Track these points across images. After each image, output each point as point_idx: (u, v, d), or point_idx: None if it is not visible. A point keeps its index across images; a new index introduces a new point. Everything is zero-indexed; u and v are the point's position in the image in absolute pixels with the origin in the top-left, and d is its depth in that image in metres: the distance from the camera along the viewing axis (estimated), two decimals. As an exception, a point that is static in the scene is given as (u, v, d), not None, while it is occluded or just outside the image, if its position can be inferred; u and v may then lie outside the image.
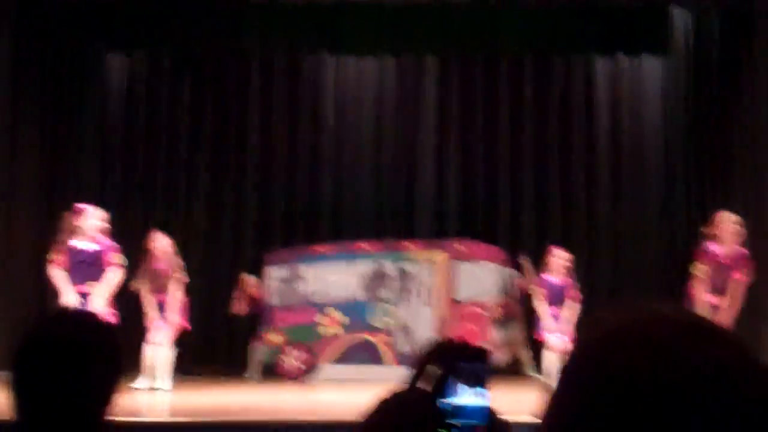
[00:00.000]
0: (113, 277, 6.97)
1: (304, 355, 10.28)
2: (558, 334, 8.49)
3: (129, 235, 11.01)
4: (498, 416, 0.99)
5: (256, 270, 11.03)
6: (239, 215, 12.02)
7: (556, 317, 8.56)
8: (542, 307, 8.57)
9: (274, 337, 10.42)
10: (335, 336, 10.31)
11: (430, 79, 12.31)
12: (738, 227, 6.64)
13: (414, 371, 1.00)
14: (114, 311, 6.99)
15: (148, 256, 8.44)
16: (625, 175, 11.93)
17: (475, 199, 11.92)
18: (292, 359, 10.29)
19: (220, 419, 4.74)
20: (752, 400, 0.71)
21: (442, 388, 0.97)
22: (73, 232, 6.95)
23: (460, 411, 0.97)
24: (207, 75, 12.28)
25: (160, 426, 4.34)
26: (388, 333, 10.23)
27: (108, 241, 7.08)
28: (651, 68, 12.15)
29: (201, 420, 4.81)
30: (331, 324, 10.28)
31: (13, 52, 10.41)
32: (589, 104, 12.13)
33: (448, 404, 0.97)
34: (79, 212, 7.06)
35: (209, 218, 11.95)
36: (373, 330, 10.26)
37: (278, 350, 10.39)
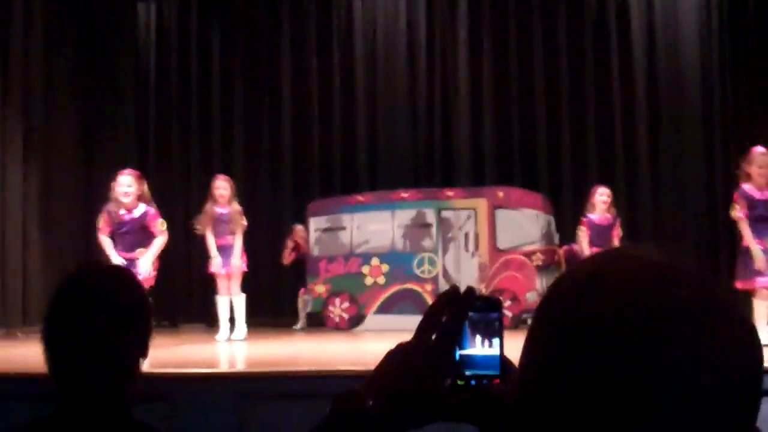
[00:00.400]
0: (157, 244, 7.00)
1: (349, 305, 10.40)
2: None
3: (168, 190, 11.22)
4: (512, 366, 0.97)
5: (297, 221, 11.15)
6: (276, 164, 12.04)
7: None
8: (586, 249, 8.53)
9: (320, 288, 10.55)
10: (379, 286, 10.41)
11: (462, 16, 12.15)
12: (766, 169, 6.50)
13: (426, 321, 0.96)
14: (155, 274, 7.05)
15: (210, 199, 8.47)
16: (663, 111, 11.79)
17: (512, 144, 11.85)
18: (338, 309, 10.42)
19: (269, 369, 4.80)
20: (714, 340, 0.72)
21: (457, 338, 0.95)
22: (116, 199, 6.95)
23: (473, 362, 0.95)
24: (237, 20, 12.19)
25: (209, 376, 4.41)
26: (432, 282, 10.31)
27: (150, 208, 7.07)
28: (687, 2, 11.93)
29: (249, 371, 4.89)
30: (374, 274, 10.37)
31: (44, 5, 10.40)
32: (625, 38, 11.93)
33: (462, 355, 0.95)
34: (121, 179, 7.02)
35: (246, 168, 11.97)
36: (417, 279, 10.34)
37: (324, 300, 10.52)
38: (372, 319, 10.28)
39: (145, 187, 7.11)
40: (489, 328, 0.97)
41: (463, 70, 12.08)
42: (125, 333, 1.74)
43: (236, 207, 8.48)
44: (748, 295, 6.60)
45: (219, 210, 8.41)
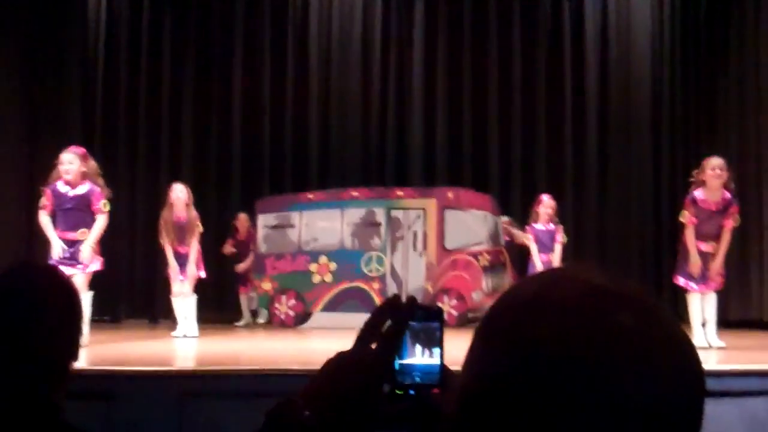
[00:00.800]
0: (98, 226, 6.82)
1: (295, 303, 10.36)
2: None
3: (112, 181, 11.02)
4: (451, 375, 0.97)
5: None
6: (225, 161, 11.91)
7: (545, 265, 8.67)
8: (536, 255, 8.67)
9: (266, 285, 10.49)
10: (326, 283, 10.38)
11: (417, 18, 12.16)
12: (724, 172, 6.68)
13: (367, 330, 0.95)
14: (101, 258, 6.93)
15: (167, 207, 8.42)
16: (613, 118, 11.95)
17: (464, 146, 11.90)
18: (284, 306, 10.37)
19: (211, 368, 4.76)
20: (657, 365, 0.73)
21: (397, 348, 0.94)
22: (59, 176, 6.77)
23: (413, 371, 0.95)
24: (189, 13, 12.02)
25: (150, 374, 4.36)
26: (379, 280, 10.31)
27: (96, 187, 6.87)
28: (640, 5, 12.09)
29: (191, 369, 4.84)
30: (322, 271, 10.34)
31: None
32: (578, 46, 12.05)
33: (401, 364, 0.95)
34: (63, 156, 6.82)
35: (194, 163, 11.84)
36: (365, 278, 10.33)
37: (270, 297, 10.46)
38: (318, 317, 10.25)
39: (92, 164, 6.93)
40: (430, 337, 0.97)
41: (417, 72, 12.10)
42: (52, 335, 1.71)
43: (193, 213, 8.45)
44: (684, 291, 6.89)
45: (177, 216, 8.38)
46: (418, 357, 0.96)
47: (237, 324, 10.45)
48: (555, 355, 0.73)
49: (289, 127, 11.99)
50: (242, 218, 10.87)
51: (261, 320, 10.82)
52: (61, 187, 6.73)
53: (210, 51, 12.02)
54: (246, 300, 10.73)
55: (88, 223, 6.77)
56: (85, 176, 6.78)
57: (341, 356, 0.95)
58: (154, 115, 11.90)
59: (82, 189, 6.76)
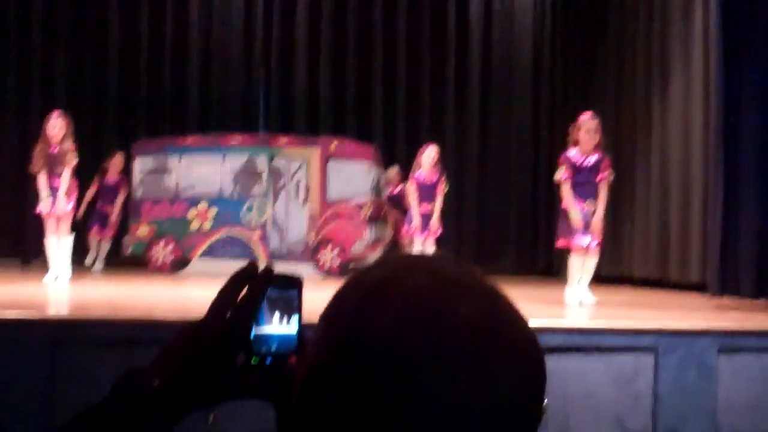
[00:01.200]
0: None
1: (173, 248, 10.14)
2: (423, 233, 8.63)
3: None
4: (307, 336, 0.94)
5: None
6: (100, 102, 11.47)
7: (427, 215, 8.71)
8: (414, 205, 8.68)
9: (143, 230, 10.21)
10: (205, 230, 10.19)
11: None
12: (597, 134, 6.83)
13: (221, 298, 0.92)
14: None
15: (43, 138, 7.99)
16: (495, 74, 12.13)
17: (348, 96, 11.84)
18: (162, 252, 10.14)
19: (82, 315, 4.62)
20: (499, 359, 0.74)
21: (253, 316, 0.92)
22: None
23: (269, 339, 0.93)
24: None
25: (17, 322, 4.20)
26: (260, 229, 10.20)
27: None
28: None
29: (62, 316, 4.69)
30: (201, 218, 10.14)
31: None
32: (463, 3, 12.13)
33: (258, 333, 0.93)
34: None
35: (68, 101, 11.34)
36: (245, 226, 10.20)
37: (147, 243, 10.20)
38: (197, 263, 10.07)
39: None
40: (288, 305, 0.94)
41: (302, 18, 11.92)
42: None
43: (67, 145, 8.04)
44: (566, 252, 6.97)
45: (51, 148, 7.97)
46: (276, 325, 0.93)
47: (87, 263, 9.93)
48: (395, 346, 0.73)
49: (167, 68, 11.65)
50: (117, 158, 10.19)
51: (99, 267, 10.03)
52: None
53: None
54: (96, 244, 10.07)
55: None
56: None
57: (194, 324, 0.91)
58: (25, 51, 11.32)
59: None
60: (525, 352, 0.76)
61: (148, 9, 11.63)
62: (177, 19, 11.68)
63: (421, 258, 0.82)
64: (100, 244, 10.05)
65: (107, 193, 10.02)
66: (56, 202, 7.94)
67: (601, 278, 9.06)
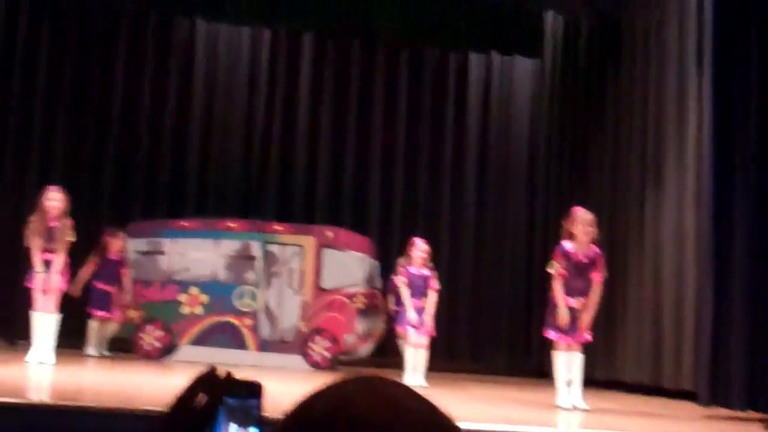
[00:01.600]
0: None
1: (162, 334, 10.00)
2: (416, 329, 8.54)
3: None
4: None
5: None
6: (97, 183, 11.48)
7: (418, 310, 8.64)
8: (407, 299, 8.61)
9: (132, 313, 10.08)
10: (196, 315, 10.08)
11: (306, 57, 12.17)
12: (594, 228, 6.81)
13: (176, 406, 0.89)
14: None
15: (41, 212, 7.93)
16: (491, 168, 12.24)
17: (345, 187, 11.90)
18: (150, 337, 9.99)
19: (57, 402, 4.50)
20: None
21: (209, 426, 0.88)
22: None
23: None
24: (70, 29, 11.61)
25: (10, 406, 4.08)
26: (252, 316, 10.09)
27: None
28: (522, 68, 12.48)
29: (37, 402, 4.57)
30: (192, 303, 10.04)
31: None
32: (461, 99, 12.34)
33: None
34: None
35: (65, 177, 11.34)
36: (236, 312, 10.09)
37: (135, 326, 10.05)
38: (186, 350, 9.92)
39: None
40: (247, 415, 0.89)
41: (303, 108, 12.08)
42: None
43: (65, 221, 8.01)
44: (551, 345, 6.94)
45: (49, 223, 7.92)
46: None
47: (88, 353, 9.59)
48: None
49: (167, 150, 11.71)
50: (118, 236, 10.02)
51: (92, 352, 9.69)
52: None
53: (89, 60, 11.62)
54: (97, 327, 9.80)
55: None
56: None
57: None
58: (25, 126, 11.38)
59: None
60: None
61: (150, 90, 11.75)
62: (179, 103, 11.81)
63: (375, 384, 0.78)
64: (103, 327, 9.79)
65: (107, 272, 9.82)
66: (49, 277, 7.86)
67: (594, 382, 8.95)
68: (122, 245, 10.01)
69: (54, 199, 7.93)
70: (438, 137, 12.18)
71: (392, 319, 9.97)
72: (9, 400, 4.23)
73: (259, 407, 0.90)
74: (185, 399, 0.88)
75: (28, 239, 7.95)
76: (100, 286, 9.77)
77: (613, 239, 9.90)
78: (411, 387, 0.79)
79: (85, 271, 9.72)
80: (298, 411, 0.78)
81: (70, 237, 7.99)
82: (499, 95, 12.48)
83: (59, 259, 7.89)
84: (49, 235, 7.89)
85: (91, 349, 9.64)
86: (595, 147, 10.92)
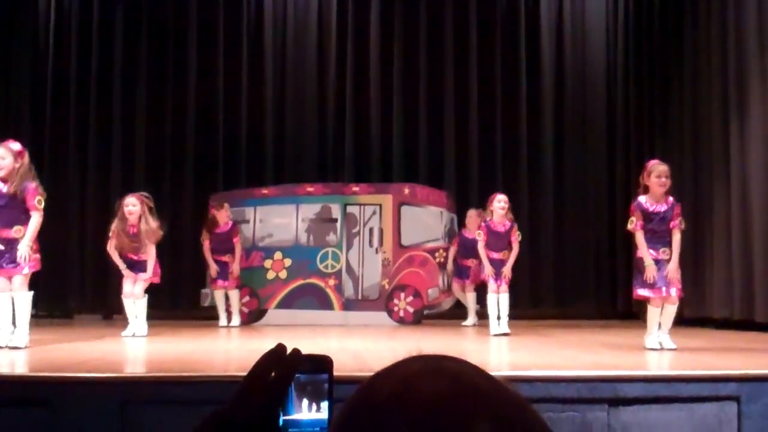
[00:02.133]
0: (33, 223, 6.47)
1: (249, 299, 10.23)
2: (495, 280, 8.58)
3: (62, 175, 10.88)
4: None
5: (198, 213, 10.96)
6: (179, 155, 11.75)
7: (498, 262, 8.65)
8: (483, 253, 8.63)
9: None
10: (281, 280, 10.28)
11: (373, 15, 12.10)
12: (668, 180, 6.68)
13: (248, 384, 0.88)
14: (38, 256, 6.71)
15: (120, 218, 8.26)
16: (568, 119, 12.01)
17: (420, 142, 11.86)
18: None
19: (153, 374, 4.65)
20: None
21: (281, 403, 0.88)
22: None
23: (298, 427, 0.89)
24: (142, 10, 11.84)
25: (90, 381, 4.25)
26: (335, 277, 10.24)
27: (30, 183, 6.46)
28: (595, 10, 12.17)
29: (133, 375, 4.74)
30: (277, 268, 10.23)
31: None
32: (534, 48, 12.09)
33: (286, 420, 0.89)
34: None
35: (147, 159, 11.66)
36: (320, 274, 10.26)
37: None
38: (273, 314, 10.15)
39: (26, 161, 6.68)
40: (317, 390, 0.91)
41: (374, 66, 12.03)
42: None
43: (146, 228, 8.25)
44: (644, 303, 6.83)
45: (130, 228, 8.24)
46: (305, 412, 0.90)
47: (221, 325, 9.72)
48: None
49: (244, 121, 11.87)
50: (226, 208, 9.93)
51: (236, 321, 9.82)
52: None
53: (163, 44, 11.86)
54: (222, 296, 9.85)
55: (23, 221, 6.55)
56: (17, 173, 6.52)
57: (218, 414, 0.88)
58: (106, 109, 11.71)
59: (15, 186, 6.51)
60: None
61: (223, 63, 11.89)
62: (252, 75, 11.92)
63: (441, 363, 0.79)
64: (227, 297, 9.83)
65: (219, 244, 9.84)
66: (139, 274, 8.20)
67: (682, 321, 8.81)
68: (228, 215, 9.91)
69: (130, 204, 8.23)
70: (511, 88, 11.98)
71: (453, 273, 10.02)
72: (106, 373, 4.41)
73: (330, 381, 0.91)
74: (257, 377, 0.89)
75: (110, 245, 8.29)
76: (216, 257, 9.79)
77: (697, 177, 9.69)
78: (478, 366, 0.79)
79: (206, 250, 9.77)
80: (364, 392, 0.78)
81: (155, 237, 8.26)
82: (573, 41, 12.20)
83: (151, 259, 8.22)
84: (130, 238, 8.21)
85: (222, 320, 9.74)
86: (674, 87, 10.64)
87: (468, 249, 9.73)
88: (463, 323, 9.82)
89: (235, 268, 9.76)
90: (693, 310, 9.31)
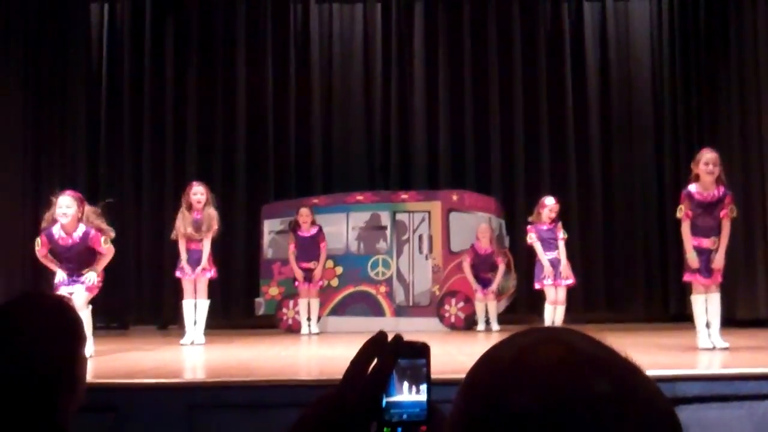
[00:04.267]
0: (106, 257, 6.76)
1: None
2: (552, 282, 8.68)
3: (117, 188, 11.10)
4: (439, 412, 0.97)
5: (250, 223, 11.14)
6: (230, 168, 11.92)
7: (553, 262, 8.75)
8: (541, 252, 8.74)
9: (273, 290, 10.51)
10: (333, 288, 10.39)
11: (417, 24, 12.18)
12: (717, 167, 6.66)
13: (351, 370, 0.95)
14: (100, 284, 6.85)
15: (186, 205, 8.48)
16: (615, 119, 11.94)
17: (466, 148, 11.88)
18: (291, 311, 10.37)
19: (219, 379, 4.76)
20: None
21: (384, 386, 0.94)
22: (55, 219, 6.62)
23: (400, 408, 0.95)
24: (191, 22, 12.05)
25: (158, 387, 4.37)
26: (386, 284, 10.33)
27: (90, 229, 6.65)
28: (639, 10, 12.12)
29: (199, 381, 4.85)
30: (328, 276, 10.34)
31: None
32: (578, 48, 12.07)
33: (388, 402, 0.95)
34: (61, 200, 6.63)
35: (199, 171, 11.83)
36: (371, 281, 10.36)
37: (278, 303, 10.48)
38: (325, 322, 10.26)
39: (88, 208, 6.85)
40: (417, 374, 0.97)
41: (419, 74, 12.09)
42: (49, 369, 1.72)
43: (210, 211, 8.50)
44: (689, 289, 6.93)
45: (195, 215, 8.44)
46: (405, 394, 0.96)
47: (303, 333, 9.80)
48: (533, 424, 0.73)
49: (292, 133, 12.00)
50: (304, 212, 9.99)
51: (315, 329, 9.86)
52: (57, 231, 6.62)
53: (212, 59, 12.04)
54: (305, 305, 9.88)
55: (92, 263, 6.74)
56: (80, 220, 6.69)
57: (327, 397, 0.95)
58: (158, 123, 11.91)
59: (78, 234, 6.64)
60: (662, 427, 0.75)
61: (272, 77, 12.04)
62: (299, 86, 12.05)
63: (555, 332, 0.83)
64: (309, 303, 9.89)
65: (303, 249, 9.92)
66: (198, 266, 8.36)
67: (735, 322, 8.75)
68: (308, 219, 9.92)
69: (197, 192, 8.45)
70: (557, 90, 11.94)
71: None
72: (172, 379, 4.53)
73: (427, 365, 0.97)
74: (360, 363, 0.95)
75: (175, 232, 8.49)
76: (301, 264, 9.89)
77: (748, 176, 9.61)
78: (596, 337, 0.81)
79: (291, 256, 9.91)
80: (483, 362, 0.81)
81: (216, 226, 8.48)
82: (617, 41, 12.15)
83: (207, 248, 8.40)
84: (195, 226, 8.40)
85: (304, 328, 9.79)
86: (721, 86, 10.56)
87: (481, 262, 9.83)
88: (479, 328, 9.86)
89: (318, 271, 9.84)
90: (745, 311, 9.23)
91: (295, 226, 10.02)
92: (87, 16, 11.94)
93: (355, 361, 0.96)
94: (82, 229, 6.61)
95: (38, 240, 6.71)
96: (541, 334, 0.83)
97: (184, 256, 8.45)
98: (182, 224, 8.45)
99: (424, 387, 0.97)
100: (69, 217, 6.58)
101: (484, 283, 9.90)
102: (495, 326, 9.72)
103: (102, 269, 6.81)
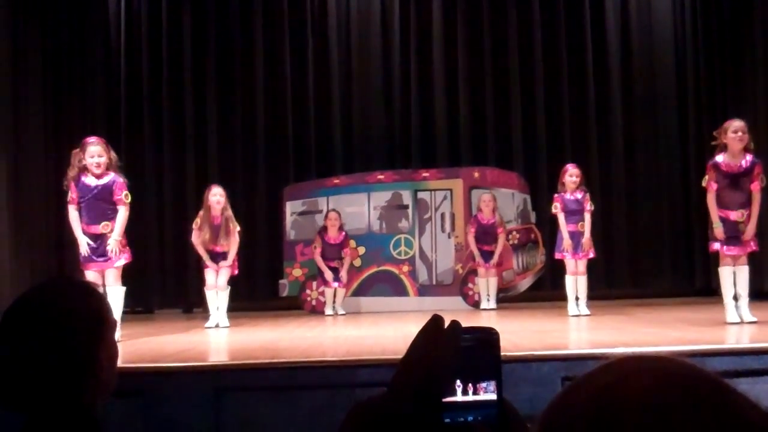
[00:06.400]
0: (121, 218, 6.79)
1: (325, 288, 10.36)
2: (572, 255, 8.59)
3: (139, 173, 11.14)
4: (515, 414, 0.87)
5: (272, 205, 11.14)
6: (251, 151, 11.92)
7: (574, 234, 8.64)
8: (563, 225, 8.63)
9: (296, 272, 10.53)
10: (356, 268, 10.39)
11: (436, 1, 12.08)
12: (745, 135, 6.55)
13: (407, 367, 0.81)
14: (128, 249, 6.96)
15: (205, 209, 8.50)
16: (637, 93, 11.81)
17: (487, 125, 11.80)
18: (315, 293, 10.39)
19: (245, 362, 4.76)
20: None
21: (446, 384, 0.80)
22: (81, 167, 6.75)
23: (462, 411, 0.81)
24: (209, 5, 12.03)
25: (184, 370, 4.38)
26: (409, 263, 10.31)
27: (119, 177, 6.83)
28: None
29: (225, 363, 4.85)
30: (351, 256, 10.33)
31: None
32: (599, 17, 11.91)
33: (446, 404, 0.81)
34: (85, 146, 6.79)
35: (219, 153, 11.86)
36: (393, 261, 10.34)
37: (301, 284, 10.49)
38: (348, 302, 10.25)
39: (113, 153, 6.97)
40: (482, 368, 0.83)
41: (438, 52, 12.00)
42: (73, 354, 1.72)
43: (227, 215, 8.52)
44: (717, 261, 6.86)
45: (213, 218, 8.46)
46: (469, 394, 0.82)
47: (327, 314, 9.95)
48: None
49: (312, 114, 11.97)
50: (333, 216, 10.14)
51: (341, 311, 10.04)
52: (87, 179, 6.76)
53: (230, 42, 12.01)
54: (331, 294, 10.07)
55: (110, 216, 6.79)
56: (108, 167, 6.81)
57: (375, 406, 0.82)
58: (178, 105, 11.92)
59: (105, 179, 6.78)
60: None
61: (290, 57, 12.00)
62: (318, 67, 12.00)
63: (645, 361, 0.77)
64: (335, 292, 10.06)
65: (330, 252, 10.08)
66: (222, 266, 8.41)
67: (764, 295, 8.66)
68: (339, 224, 10.09)
69: (217, 193, 8.47)
70: (578, 61, 11.82)
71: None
72: (199, 362, 4.54)
73: (495, 358, 0.85)
74: (416, 359, 0.82)
75: (194, 234, 8.51)
76: (328, 263, 10.03)
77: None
78: (699, 366, 0.76)
79: (318, 258, 10.03)
80: (574, 386, 0.75)
81: (234, 227, 8.49)
82: (638, 9, 11.96)
83: (234, 248, 8.45)
84: (215, 230, 8.41)
85: (328, 309, 9.98)
86: (747, 50, 10.42)
87: (484, 233, 9.77)
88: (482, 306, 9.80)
89: (343, 275, 10.01)
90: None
91: (322, 230, 10.12)
92: (105, 3, 11.94)
93: (408, 358, 0.83)
94: (110, 176, 6.73)
95: (69, 192, 6.77)
96: (631, 364, 0.76)
97: (205, 256, 8.52)
98: (200, 229, 8.49)
99: (492, 385, 0.83)
100: (102, 167, 6.69)
101: (486, 257, 9.84)
102: (492, 303, 9.71)
103: (123, 234, 6.83)
